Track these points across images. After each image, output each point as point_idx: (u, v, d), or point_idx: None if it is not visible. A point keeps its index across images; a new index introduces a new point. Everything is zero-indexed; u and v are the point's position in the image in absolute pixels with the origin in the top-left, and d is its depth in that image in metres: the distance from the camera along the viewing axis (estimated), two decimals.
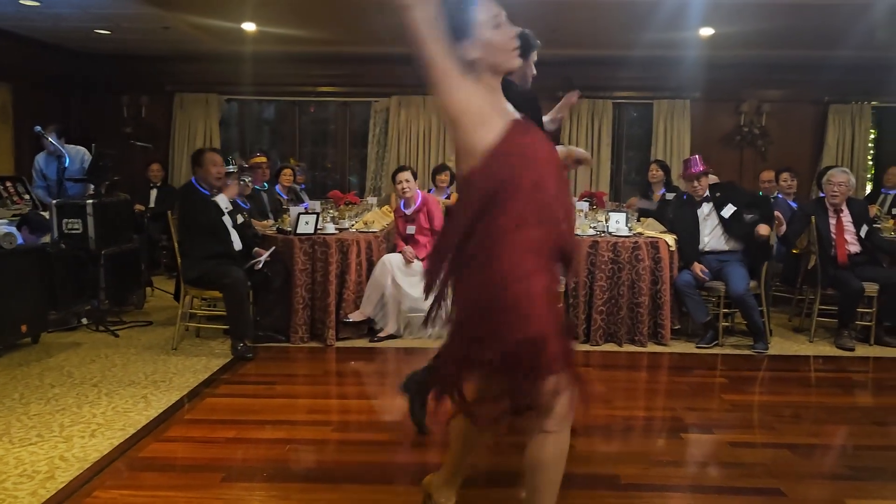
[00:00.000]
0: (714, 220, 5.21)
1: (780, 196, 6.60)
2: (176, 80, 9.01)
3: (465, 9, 1.95)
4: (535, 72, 3.02)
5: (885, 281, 5.11)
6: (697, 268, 5.06)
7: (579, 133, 8.88)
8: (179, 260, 4.88)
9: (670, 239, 5.18)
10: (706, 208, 5.26)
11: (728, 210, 5.18)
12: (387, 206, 7.13)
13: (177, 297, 5.18)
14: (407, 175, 5.39)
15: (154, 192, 7.97)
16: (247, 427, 3.44)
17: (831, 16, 6.44)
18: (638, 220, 5.82)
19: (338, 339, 5.04)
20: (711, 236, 5.22)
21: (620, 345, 5.04)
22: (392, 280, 5.13)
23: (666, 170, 6.99)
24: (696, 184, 5.26)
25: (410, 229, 5.41)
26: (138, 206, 7.32)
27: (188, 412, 3.65)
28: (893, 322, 5.24)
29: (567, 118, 8.75)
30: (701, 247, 5.20)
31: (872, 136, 9.30)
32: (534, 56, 2.99)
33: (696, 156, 5.32)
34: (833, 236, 5.27)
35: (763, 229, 4.99)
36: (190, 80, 9.00)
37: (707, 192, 5.26)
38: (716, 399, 4.02)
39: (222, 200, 4.90)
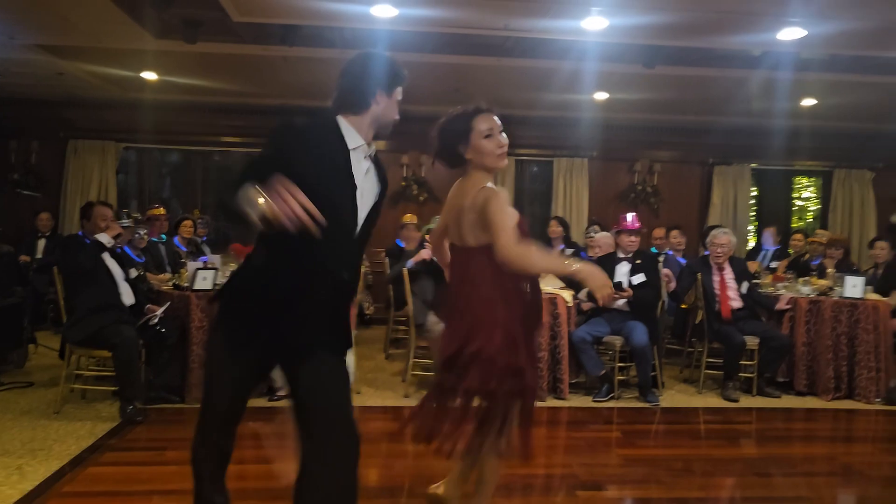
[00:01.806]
0: (625, 281, 5.41)
1: (670, 253, 6.96)
2: (70, 125, 8.68)
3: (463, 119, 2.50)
4: (396, 116, 2.26)
5: (764, 335, 5.45)
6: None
7: None
8: (65, 319, 4.63)
9: (567, 295, 5.35)
10: (624, 267, 5.47)
11: (638, 278, 5.41)
12: None
13: (62, 354, 4.89)
14: None
15: (42, 243, 7.57)
16: (132, 499, 3.26)
17: (712, 87, 6.99)
18: None
19: None
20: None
21: None
22: None
23: (565, 226, 7.27)
24: (631, 238, 5.45)
25: None
26: (23, 257, 6.93)
27: (68, 484, 3.42)
28: (773, 373, 5.59)
29: None
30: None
31: (754, 195, 10.02)
32: (397, 93, 2.24)
33: (634, 214, 5.58)
34: (717, 292, 5.59)
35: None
36: (85, 126, 8.69)
37: (631, 254, 5.49)
38: (611, 454, 4.14)
39: (102, 237, 4.68)
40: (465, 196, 2.49)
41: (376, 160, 2.24)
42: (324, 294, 2.10)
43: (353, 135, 2.14)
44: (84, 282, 4.59)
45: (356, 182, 2.12)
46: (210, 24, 5.49)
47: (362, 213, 2.15)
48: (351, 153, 2.13)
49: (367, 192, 2.17)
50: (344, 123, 2.15)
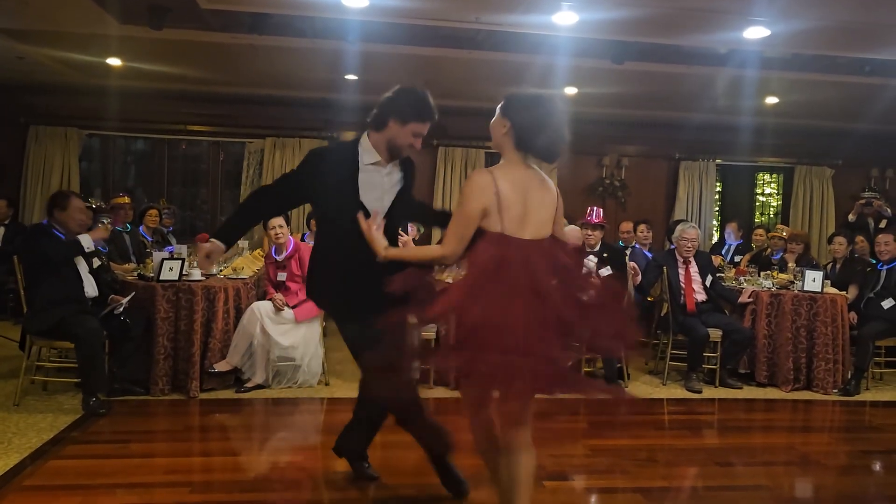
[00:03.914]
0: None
1: (637, 246, 7.04)
2: (31, 111, 8.46)
3: None
4: (408, 144, 2.81)
5: (727, 327, 5.56)
6: None
7: (453, 181, 9.12)
8: (25, 309, 4.53)
9: None
10: (591, 261, 5.53)
11: (605, 271, 5.47)
12: (259, 250, 6.97)
13: (22, 346, 4.79)
14: (280, 221, 5.31)
15: (0, 231, 7.39)
16: (95, 492, 3.22)
17: (680, 83, 7.07)
18: None
19: (202, 391, 4.83)
20: None
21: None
22: (261, 328, 5.00)
23: None
24: (589, 232, 5.57)
25: (281, 276, 5.32)
26: None
27: (28, 477, 3.36)
28: (734, 365, 5.71)
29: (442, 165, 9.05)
30: None
31: (718, 190, 10.19)
32: (413, 126, 2.75)
33: (599, 209, 5.68)
34: (682, 286, 5.69)
35: None
36: (47, 112, 8.47)
37: (598, 247, 5.54)
38: (578, 444, 4.19)
39: (85, 239, 4.57)
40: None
41: (405, 165, 2.91)
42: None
43: (370, 153, 2.77)
44: (46, 272, 4.48)
45: (360, 191, 2.75)
46: (177, 10, 5.38)
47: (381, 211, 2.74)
48: (362, 168, 2.77)
49: (385, 194, 2.81)
50: (365, 142, 2.79)
